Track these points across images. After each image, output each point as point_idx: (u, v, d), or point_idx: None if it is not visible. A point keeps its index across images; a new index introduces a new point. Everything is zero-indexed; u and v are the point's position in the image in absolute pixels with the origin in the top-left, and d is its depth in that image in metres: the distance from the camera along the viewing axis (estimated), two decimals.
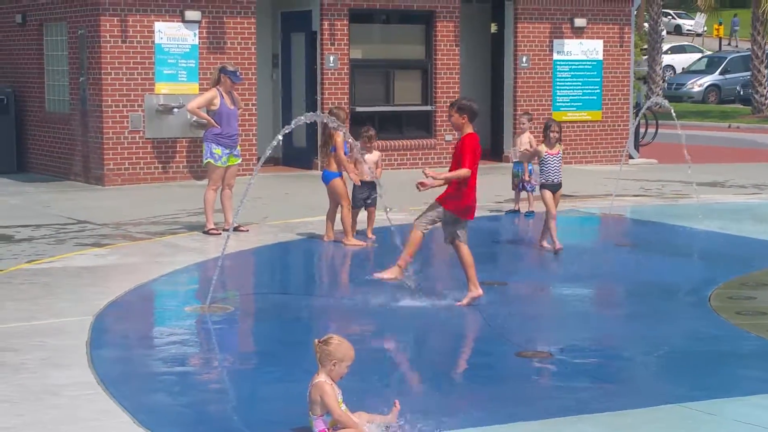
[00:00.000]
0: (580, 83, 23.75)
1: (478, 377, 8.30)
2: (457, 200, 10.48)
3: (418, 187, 10.62)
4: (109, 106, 19.34)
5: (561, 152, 13.54)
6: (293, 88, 22.39)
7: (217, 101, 14.29)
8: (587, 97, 23.85)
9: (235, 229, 13.58)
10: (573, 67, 23.64)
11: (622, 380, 8.49)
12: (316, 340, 6.86)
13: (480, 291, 10.56)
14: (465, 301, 10.51)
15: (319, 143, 21.25)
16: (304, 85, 21.98)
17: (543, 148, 13.40)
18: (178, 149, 19.92)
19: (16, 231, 14.62)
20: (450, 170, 10.63)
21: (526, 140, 16.54)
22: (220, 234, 13.92)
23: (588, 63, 23.79)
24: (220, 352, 9.31)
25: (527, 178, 16.29)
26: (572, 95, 23.69)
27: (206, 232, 14.25)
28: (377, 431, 6.88)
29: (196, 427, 7.25)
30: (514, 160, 16.74)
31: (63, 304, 10.45)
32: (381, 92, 22.47)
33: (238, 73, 14.69)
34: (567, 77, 23.61)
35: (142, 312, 10.71)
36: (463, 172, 10.39)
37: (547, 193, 13.37)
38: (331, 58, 21.30)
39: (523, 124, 16.86)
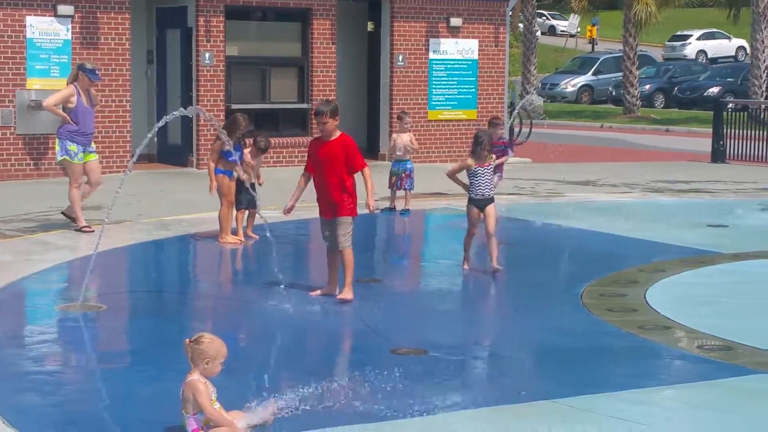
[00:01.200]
0: (455, 82, 23.94)
1: (352, 375, 8.30)
2: (349, 200, 10.66)
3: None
4: None
5: (493, 163, 12.57)
6: (168, 84, 22.17)
7: (74, 99, 14.12)
8: (463, 96, 24.05)
9: (78, 226, 14.00)
10: (449, 66, 23.82)
11: (495, 376, 8.58)
12: (187, 340, 6.80)
13: (351, 296, 10.61)
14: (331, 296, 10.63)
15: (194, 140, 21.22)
16: (179, 81, 21.78)
17: (471, 161, 12.39)
18: (50, 145, 19.52)
19: None
20: (333, 172, 10.75)
21: (407, 139, 16.78)
22: (93, 231, 13.73)
23: (463, 62, 23.98)
24: (92, 350, 9.18)
25: (405, 177, 16.54)
26: (448, 94, 23.86)
27: (78, 230, 14.05)
28: (252, 429, 6.86)
29: (67, 427, 7.14)
30: (397, 154, 16.79)
31: None
32: (257, 89, 22.37)
33: (96, 71, 14.51)
34: (443, 76, 23.78)
35: (12, 311, 10.49)
36: (368, 171, 10.74)
37: (473, 210, 12.41)
38: (207, 55, 21.15)
39: (406, 123, 17.12)
